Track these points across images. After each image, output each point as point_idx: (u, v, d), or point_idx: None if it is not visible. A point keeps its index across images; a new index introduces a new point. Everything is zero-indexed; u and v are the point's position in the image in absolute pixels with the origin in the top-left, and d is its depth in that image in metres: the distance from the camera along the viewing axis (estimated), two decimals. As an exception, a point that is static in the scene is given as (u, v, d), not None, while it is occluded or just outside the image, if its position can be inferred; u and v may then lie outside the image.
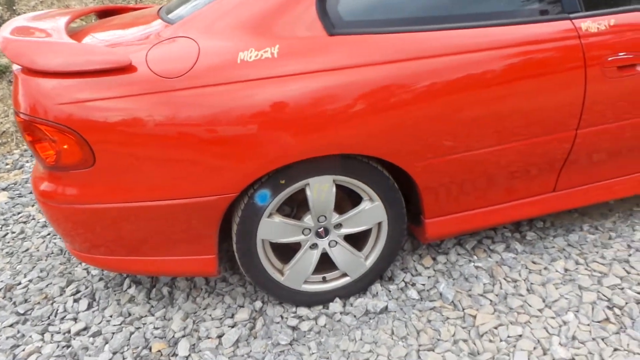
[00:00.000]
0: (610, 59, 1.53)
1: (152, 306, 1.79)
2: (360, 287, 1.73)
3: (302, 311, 1.67)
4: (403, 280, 1.75)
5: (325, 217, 1.59)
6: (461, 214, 1.70)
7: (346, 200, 1.68)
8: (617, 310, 1.50)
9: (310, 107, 1.37)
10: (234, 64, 1.37)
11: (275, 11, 1.42)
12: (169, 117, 1.35)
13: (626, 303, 1.52)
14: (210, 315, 1.70)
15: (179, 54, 1.38)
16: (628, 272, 1.66)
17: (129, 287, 1.88)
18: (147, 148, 1.38)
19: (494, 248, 1.87)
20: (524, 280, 1.68)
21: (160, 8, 1.88)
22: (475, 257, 1.84)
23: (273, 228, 1.56)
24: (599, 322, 1.47)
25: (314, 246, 1.63)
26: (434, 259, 1.86)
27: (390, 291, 1.72)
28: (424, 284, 1.72)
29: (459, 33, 1.45)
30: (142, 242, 1.53)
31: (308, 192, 1.52)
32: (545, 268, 1.73)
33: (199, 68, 1.36)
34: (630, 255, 1.74)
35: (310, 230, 1.60)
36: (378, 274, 1.73)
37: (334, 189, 1.54)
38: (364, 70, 1.40)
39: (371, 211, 1.61)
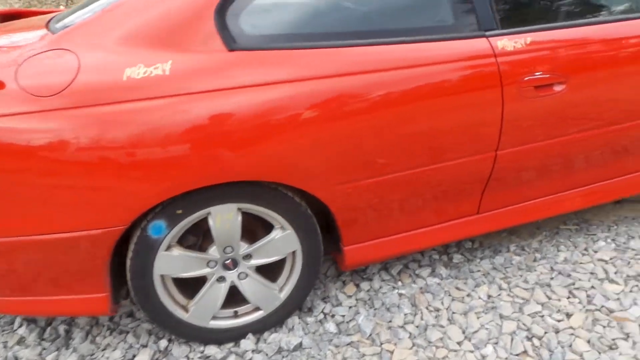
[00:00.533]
0: (526, 78, 1.48)
1: (44, 348, 1.59)
2: (275, 320, 1.60)
3: (211, 350, 1.52)
4: (322, 311, 1.64)
5: (232, 247, 1.45)
6: (380, 240, 1.61)
7: (260, 227, 1.56)
8: (535, 341, 1.44)
9: (204, 130, 1.24)
10: (119, 81, 1.22)
11: (169, 23, 1.28)
12: (41, 141, 1.18)
13: (545, 332, 1.47)
14: (107, 358, 1.53)
15: (56, 68, 1.22)
16: (549, 298, 1.61)
17: (20, 326, 1.68)
18: (19, 175, 1.20)
19: (420, 273, 1.79)
20: (446, 309, 1.60)
21: (54, 16, 1.70)
22: (399, 283, 1.75)
23: (172, 262, 1.40)
24: (517, 355, 1.40)
25: (221, 279, 1.49)
26: (357, 285, 1.76)
27: (307, 324, 1.60)
28: (343, 315, 1.62)
29: (370, 50, 1.36)
30: (25, 281, 1.34)
31: (210, 221, 1.38)
32: (469, 295, 1.66)
33: (78, 85, 1.20)
34: (552, 278, 1.70)
35: (216, 262, 1.46)
36: (295, 305, 1.61)
37: (240, 218, 1.41)
38: (266, 89, 1.28)
39: (283, 240, 1.48)
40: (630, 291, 1.62)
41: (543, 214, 1.82)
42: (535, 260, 1.82)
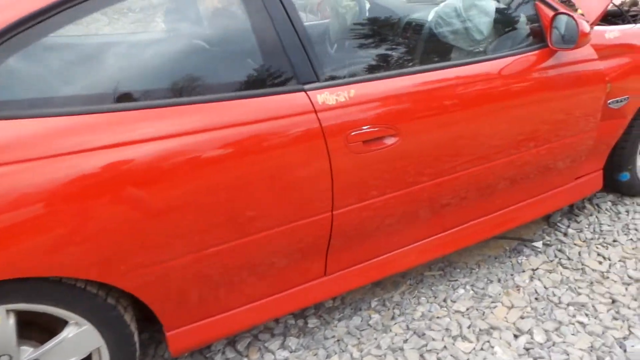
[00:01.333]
0: (353, 133, 1.37)
1: None
2: None
3: None
4: (147, 409, 1.40)
5: (9, 356, 1.18)
6: (211, 319, 1.41)
7: (56, 322, 1.29)
8: None
9: None
10: None
11: None
12: None
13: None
14: None
15: None
16: (399, 366, 1.50)
17: None
18: None
19: (270, 345, 1.61)
20: (289, 391, 1.43)
21: None
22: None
23: None
24: None
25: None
26: (197, 368, 1.54)
27: None
28: (172, 413, 1.39)
29: (163, 112, 1.18)
30: None
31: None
32: (317, 369, 1.51)
33: None
34: (405, 341, 1.59)
35: (-9, 379, 1.18)
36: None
37: (12, 320, 1.14)
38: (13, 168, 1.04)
39: (79, 338, 1.23)
40: (481, 349, 1.55)
41: (400, 267, 1.72)
42: (393, 318, 1.71)
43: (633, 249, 2.01)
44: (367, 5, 1.84)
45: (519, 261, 2.00)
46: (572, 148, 1.91)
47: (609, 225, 2.19)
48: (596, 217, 2.26)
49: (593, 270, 1.91)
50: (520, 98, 1.69)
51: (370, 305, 1.81)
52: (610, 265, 1.93)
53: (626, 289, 1.80)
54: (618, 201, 2.37)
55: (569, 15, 1.62)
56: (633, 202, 2.35)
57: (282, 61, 1.31)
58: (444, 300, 1.80)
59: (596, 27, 1.98)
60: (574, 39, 1.60)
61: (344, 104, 1.35)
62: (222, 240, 1.30)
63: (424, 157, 1.51)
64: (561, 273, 1.91)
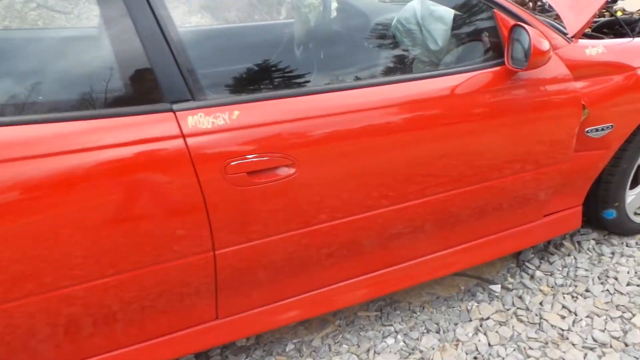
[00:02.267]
0: (234, 163, 1.15)
1: None
2: None
3: None
4: None
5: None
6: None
7: None
8: None
9: None
10: None
11: None
12: None
13: None
14: None
15: None
16: None
17: None
18: None
19: (155, 391, 1.43)
20: None
21: None
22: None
23: None
24: None
25: None
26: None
27: None
28: None
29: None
30: None
31: None
32: None
33: None
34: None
35: None
36: None
37: None
38: None
39: None
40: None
41: (310, 312, 1.50)
42: (302, 369, 1.50)
43: (606, 303, 1.72)
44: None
45: (469, 307, 1.74)
46: (535, 183, 1.62)
47: (585, 270, 1.89)
48: (574, 258, 1.96)
49: (552, 326, 1.63)
50: (468, 124, 1.42)
51: (285, 348, 1.59)
52: (574, 322, 1.64)
53: (585, 356, 1.52)
54: (603, 240, 2.06)
55: (523, 28, 1.34)
56: (621, 243, 2.04)
57: (146, 75, 1.10)
58: (367, 352, 1.56)
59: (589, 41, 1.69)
60: (527, 57, 1.32)
61: (222, 128, 1.13)
62: (84, 279, 1.12)
63: (333, 191, 1.28)
64: (513, 327, 1.64)
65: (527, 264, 1.94)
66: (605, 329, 1.61)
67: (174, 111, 1.11)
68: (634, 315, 1.65)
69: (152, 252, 1.17)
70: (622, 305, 1.69)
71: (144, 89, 1.10)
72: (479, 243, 1.71)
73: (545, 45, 1.32)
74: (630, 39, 1.78)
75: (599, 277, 1.84)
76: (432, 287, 1.87)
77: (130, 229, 1.12)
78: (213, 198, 1.15)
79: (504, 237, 1.75)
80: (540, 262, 1.95)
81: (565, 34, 1.64)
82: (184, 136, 1.10)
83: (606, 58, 1.63)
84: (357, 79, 1.43)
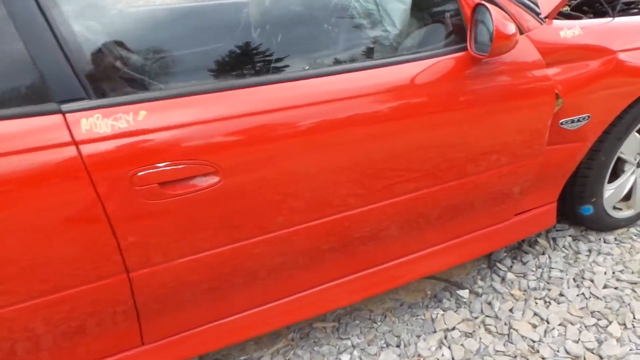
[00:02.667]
0: (141, 173, 0.98)
1: None
2: None
3: None
4: None
5: None
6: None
7: None
8: None
9: None
10: None
11: None
12: None
13: None
14: None
15: None
16: None
17: None
18: None
19: None
20: None
21: None
22: None
23: None
24: None
25: None
26: None
27: None
28: None
29: None
30: None
31: None
32: None
33: None
34: None
35: None
36: None
37: None
38: None
39: None
40: None
41: (241, 336, 1.35)
42: (244, 394, 1.36)
43: (581, 309, 1.59)
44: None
45: (434, 316, 1.60)
46: (502, 180, 1.47)
47: (560, 271, 1.76)
48: (548, 257, 1.83)
49: (523, 337, 1.50)
50: (425, 118, 1.26)
51: (230, 368, 1.45)
52: (545, 332, 1.51)
53: (556, 371, 1.40)
54: (580, 236, 1.92)
55: (486, 8, 1.16)
56: (599, 239, 1.91)
57: (25, 68, 0.91)
58: (319, 371, 1.43)
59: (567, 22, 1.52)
60: (490, 42, 1.15)
61: (125, 132, 0.95)
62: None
63: (261, 201, 1.10)
64: (480, 339, 1.50)
65: (498, 264, 1.80)
66: (579, 339, 1.48)
67: (63, 112, 0.92)
68: (610, 322, 1.52)
69: (53, 278, 1.00)
70: (598, 312, 1.57)
71: (23, 87, 0.91)
72: (446, 247, 1.57)
73: (510, 28, 1.15)
74: (611, 18, 1.62)
75: (574, 279, 1.71)
76: (396, 291, 1.72)
77: (23, 256, 0.95)
78: (118, 214, 0.97)
79: (472, 239, 1.61)
80: (513, 263, 1.82)
81: (538, 14, 1.47)
82: (76, 143, 0.91)
83: (583, 41, 1.46)
84: (300, 69, 1.24)
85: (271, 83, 1.08)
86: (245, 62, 1.19)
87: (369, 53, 1.35)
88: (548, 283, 1.71)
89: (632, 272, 1.72)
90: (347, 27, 1.39)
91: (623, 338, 1.46)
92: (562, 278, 1.72)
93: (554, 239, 1.91)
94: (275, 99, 1.08)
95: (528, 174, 1.52)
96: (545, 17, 1.46)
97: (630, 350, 1.43)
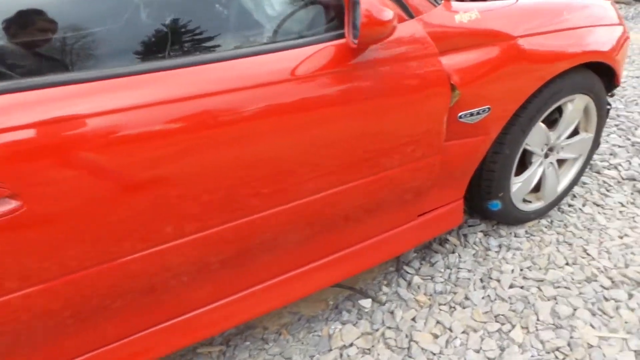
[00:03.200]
0: None
1: None
2: None
3: None
4: None
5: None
6: None
7: None
8: None
9: None
10: None
11: None
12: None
13: None
14: None
15: None
16: None
17: None
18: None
19: None
20: None
21: None
22: None
23: None
24: None
25: None
26: None
27: None
28: None
29: None
30: None
31: None
32: None
33: None
34: None
35: None
36: None
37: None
38: None
39: None
40: None
41: None
42: None
43: (485, 314, 1.50)
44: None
45: (332, 331, 1.46)
46: (400, 181, 1.34)
47: (468, 271, 1.67)
48: (458, 255, 1.74)
49: (423, 350, 1.38)
50: (300, 116, 1.08)
51: (91, 412, 1.25)
52: (447, 342, 1.41)
53: (454, 388, 1.30)
54: (492, 231, 1.85)
55: (357, -12, 1.00)
56: (510, 233, 1.83)
57: None
58: (193, 409, 1.26)
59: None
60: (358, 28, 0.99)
61: None
62: None
63: (80, 230, 0.90)
64: (378, 356, 1.38)
65: (406, 267, 1.68)
66: (480, 348, 1.38)
67: None
68: (513, 326, 1.44)
69: None
70: (502, 315, 1.48)
71: None
72: (346, 254, 1.42)
73: (385, 14, 0.98)
74: (514, 1, 1.51)
75: (481, 280, 1.62)
76: (296, 303, 1.57)
77: None
78: None
79: (374, 243, 1.47)
80: (421, 264, 1.71)
81: (434, -5, 1.33)
82: None
83: (480, 25, 1.33)
84: (152, 59, 1.03)
85: (113, 77, 0.87)
86: (71, 54, 0.96)
87: (233, 40, 1.15)
88: (455, 285, 1.61)
89: (540, 268, 1.65)
90: (211, 10, 1.18)
91: (525, 344, 1.38)
92: (469, 279, 1.63)
93: (465, 236, 1.82)
94: (104, 99, 0.86)
95: (427, 172, 1.39)
96: (442, -1, 1.32)
97: (532, 356, 1.35)
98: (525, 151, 1.67)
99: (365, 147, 1.21)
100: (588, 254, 1.71)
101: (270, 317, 1.53)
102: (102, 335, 1.10)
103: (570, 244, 1.76)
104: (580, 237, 1.79)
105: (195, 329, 1.24)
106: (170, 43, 1.05)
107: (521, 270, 1.66)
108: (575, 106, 1.67)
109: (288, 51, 1.10)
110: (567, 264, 1.67)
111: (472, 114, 1.38)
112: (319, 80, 1.10)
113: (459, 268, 1.68)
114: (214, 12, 1.16)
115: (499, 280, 1.61)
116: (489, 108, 1.40)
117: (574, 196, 2.01)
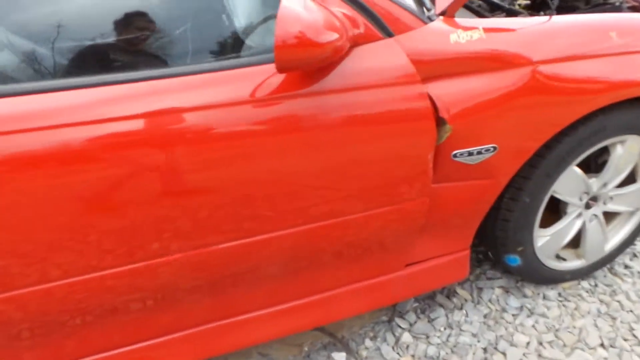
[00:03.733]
0: None
1: None
2: None
3: None
4: None
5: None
6: None
7: None
8: None
9: None
10: None
11: None
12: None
13: None
14: None
15: None
16: None
17: None
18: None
19: None
20: None
21: None
22: None
23: None
24: None
25: None
26: None
27: None
28: None
29: None
30: None
31: None
32: None
33: None
34: None
35: None
36: None
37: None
38: None
39: None
40: None
41: None
42: None
43: (475, 395, 1.24)
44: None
45: (293, 386, 1.30)
46: (375, 226, 1.13)
47: (472, 336, 1.39)
48: (465, 313, 1.47)
49: None
50: (250, 150, 0.94)
51: None
52: None
53: None
54: (513, 288, 1.54)
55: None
56: (537, 293, 1.51)
57: None
58: None
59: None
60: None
61: None
62: None
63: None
64: None
65: (399, 320, 1.46)
66: None
67: None
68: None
69: None
70: (498, 401, 1.22)
71: None
72: (323, 298, 1.26)
73: (317, 32, 0.80)
74: (546, 18, 1.23)
75: (484, 349, 1.35)
76: (268, 346, 1.43)
77: None
78: None
79: (355, 290, 1.28)
80: (418, 318, 1.46)
81: (427, 10, 1.11)
82: None
83: (483, 47, 1.07)
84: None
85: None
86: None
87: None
88: (451, 351, 1.35)
89: (564, 346, 1.34)
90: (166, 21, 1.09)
91: None
92: (470, 346, 1.36)
93: (480, 290, 1.54)
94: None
95: (410, 218, 1.17)
96: (440, 15, 1.10)
97: None
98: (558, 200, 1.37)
99: (331, 189, 1.04)
100: (634, 336, 1.35)
101: (237, 357, 1.40)
102: None
103: (614, 318, 1.42)
104: (631, 311, 1.43)
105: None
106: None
107: (539, 344, 1.35)
108: (627, 149, 1.33)
109: (229, 72, 0.97)
110: (601, 344, 1.33)
111: (471, 153, 1.13)
112: (268, 108, 0.95)
113: (461, 330, 1.41)
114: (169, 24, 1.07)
115: (504, 354, 1.32)
116: (494, 147, 1.14)
117: (634, 256, 1.63)
